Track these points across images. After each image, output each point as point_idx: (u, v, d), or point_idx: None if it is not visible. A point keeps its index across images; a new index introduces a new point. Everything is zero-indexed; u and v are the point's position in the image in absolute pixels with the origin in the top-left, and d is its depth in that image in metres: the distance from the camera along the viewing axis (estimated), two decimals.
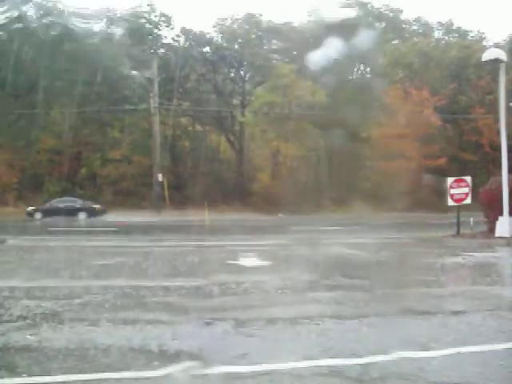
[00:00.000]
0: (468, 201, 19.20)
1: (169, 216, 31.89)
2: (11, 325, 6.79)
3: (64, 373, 4.99)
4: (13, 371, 5.02)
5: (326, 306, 8.00)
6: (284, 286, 9.64)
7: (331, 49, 42.78)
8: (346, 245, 16.23)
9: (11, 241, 18.33)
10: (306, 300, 8.57)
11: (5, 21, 39.39)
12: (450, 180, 19.80)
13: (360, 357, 5.35)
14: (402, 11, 46.79)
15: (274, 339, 6.19)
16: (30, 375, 4.91)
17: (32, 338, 6.09)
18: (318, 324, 6.78)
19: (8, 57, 37.46)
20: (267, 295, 8.92)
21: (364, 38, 41.34)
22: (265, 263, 12.65)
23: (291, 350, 5.67)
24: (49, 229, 23.94)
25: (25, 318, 7.12)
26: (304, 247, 16.61)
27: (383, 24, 45.57)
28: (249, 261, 12.71)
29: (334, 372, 4.96)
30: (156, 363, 5.22)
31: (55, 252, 15.86)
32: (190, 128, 43.61)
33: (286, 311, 7.63)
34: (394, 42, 43.03)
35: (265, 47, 44.20)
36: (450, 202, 19.53)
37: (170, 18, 41.30)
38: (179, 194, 36.60)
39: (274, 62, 42.72)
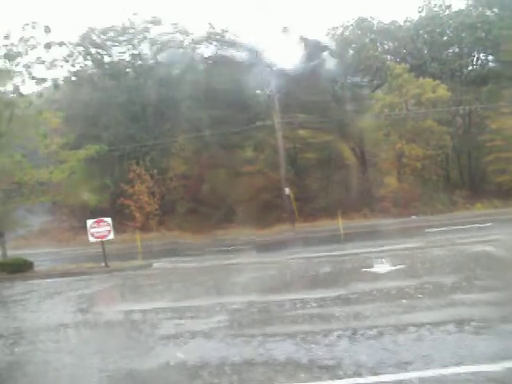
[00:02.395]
0: None
1: (300, 228, 32.23)
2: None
3: None
4: None
5: (471, 309, 7.92)
6: (423, 290, 9.61)
7: (445, 42, 41.70)
8: (486, 243, 15.61)
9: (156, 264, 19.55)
10: (450, 303, 8.48)
11: (128, 58, 42.13)
12: None
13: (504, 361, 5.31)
14: None
15: (429, 345, 6.23)
16: None
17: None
18: (465, 328, 6.75)
19: (137, 92, 40.01)
20: (408, 300, 8.93)
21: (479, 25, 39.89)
22: (401, 268, 12.61)
23: (450, 355, 5.73)
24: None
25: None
26: (440, 248, 16.17)
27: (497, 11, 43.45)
28: (384, 267, 12.72)
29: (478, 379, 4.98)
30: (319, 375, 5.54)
31: (200, 272, 16.73)
32: (311, 140, 43.78)
33: (431, 316, 7.62)
34: None
35: (379, 49, 43.70)
36: None
37: (288, 28, 41.85)
38: (307, 206, 36.86)
39: (388, 63, 42.01)
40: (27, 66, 22.08)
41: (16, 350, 8.03)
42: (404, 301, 8.93)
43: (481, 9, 41.89)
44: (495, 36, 39.06)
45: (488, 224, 22.29)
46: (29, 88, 25.53)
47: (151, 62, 41.77)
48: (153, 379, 6.09)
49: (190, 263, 19.35)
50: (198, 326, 8.45)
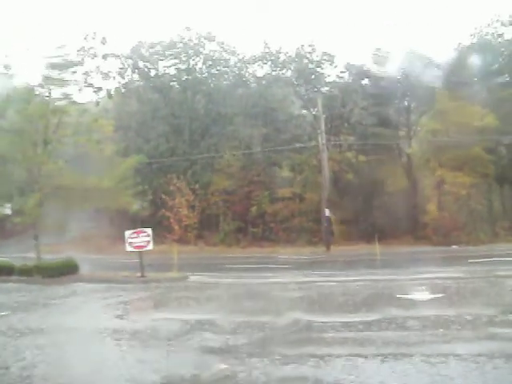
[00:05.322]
0: None
1: (338, 251, 31.95)
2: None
3: None
4: None
5: (506, 343, 7.79)
6: (460, 320, 9.46)
7: (493, 70, 41.16)
8: None
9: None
10: (486, 336, 8.35)
11: (175, 72, 42.80)
12: None
13: None
14: None
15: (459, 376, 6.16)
16: None
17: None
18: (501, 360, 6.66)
19: (183, 106, 40.65)
20: (442, 330, 8.81)
21: None
22: (438, 296, 12.43)
23: None
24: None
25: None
26: (480, 279, 15.87)
27: None
28: (421, 294, 12.55)
29: None
30: None
31: (233, 288, 16.81)
32: (355, 161, 43.63)
33: (466, 347, 7.52)
34: None
35: (428, 74, 43.32)
36: None
37: (333, 56, 42.06)
38: (348, 229, 36.64)
39: (436, 89, 41.58)
40: (87, 74, 22.56)
41: None
42: (436, 329, 8.83)
43: None
44: None
45: None
46: (84, 97, 26.21)
47: (199, 76, 42.29)
48: None
49: (225, 279, 19.36)
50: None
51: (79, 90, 22.98)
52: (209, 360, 7.38)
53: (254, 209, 38.83)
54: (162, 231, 34.22)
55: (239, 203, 39.06)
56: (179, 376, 6.71)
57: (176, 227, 35.60)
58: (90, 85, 22.90)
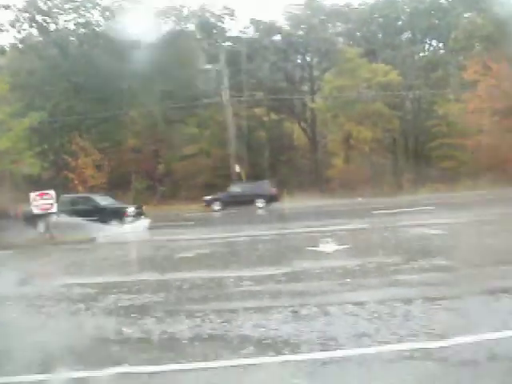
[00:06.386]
0: None
1: None
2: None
3: (157, 363, 5.29)
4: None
5: (409, 289, 7.99)
6: (365, 269, 9.65)
7: (396, 27, 42.08)
8: (429, 225, 15.80)
9: None
10: (389, 283, 8.56)
11: (74, 27, 40.78)
12: None
13: (443, 338, 5.39)
14: None
15: (364, 322, 6.26)
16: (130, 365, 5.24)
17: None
18: (406, 306, 6.79)
19: (82, 61, 38.73)
20: (350, 279, 8.96)
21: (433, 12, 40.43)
22: (346, 247, 12.63)
23: (380, 333, 5.74)
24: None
25: None
26: (384, 230, 16.35)
27: None
28: (329, 246, 12.70)
29: (421, 354, 5.02)
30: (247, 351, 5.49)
31: (143, 247, 16.52)
32: (264, 118, 43.73)
33: (370, 295, 7.65)
34: (465, 15, 41.45)
35: (330, 31, 43.66)
36: None
37: (233, 10, 41.58)
38: None
39: (340, 45, 42.08)
40: None
41: None
42: (344, 279, 8.98)
43: None
44: (447, 23, 39.60)
45: (431, 208, 22.62)
46: None
47: (97, 29, 40.40)
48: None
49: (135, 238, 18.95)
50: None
51: None
52: (115, 323, 7.10)
53: (161, 166, 38.34)
54: (67, 193, 33.14)
55: (147, 161, 38.42)
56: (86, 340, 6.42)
57: (80, 188, 34.50)
58: None
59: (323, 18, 42.78)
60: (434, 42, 45.06)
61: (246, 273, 10.11)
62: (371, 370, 4.81)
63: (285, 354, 5.33)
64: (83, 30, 40.15)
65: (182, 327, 6.49)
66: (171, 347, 5.90)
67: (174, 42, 38.92)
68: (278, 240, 16.04)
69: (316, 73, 44.51)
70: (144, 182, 37.97)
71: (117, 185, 37.05)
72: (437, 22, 41.43)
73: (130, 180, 37.74)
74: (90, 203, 23.46)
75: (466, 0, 40.23)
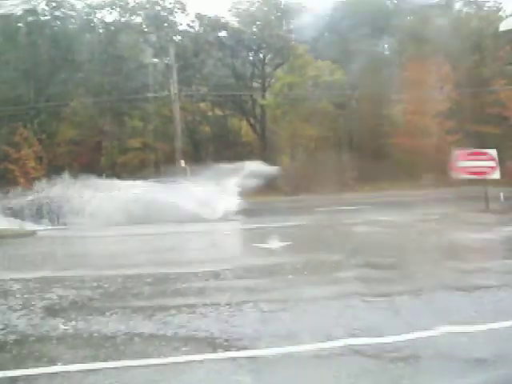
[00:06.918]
0: (496, 175, 18.58)
1: None
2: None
3: (94, 360, 5.18)
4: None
5: (349, 285, 8.09)
6: (309, 266, 9.73)
7: (346, 26, 42.51)
8: (370, 223, 16.08)
9: None
10: (332, 280, 8.66)
11: (20, 13, 39.54)
12: (460, 152, 19.68)
13: (382, 335, 5.45)
14: None
15: (301, 320, 6.30)
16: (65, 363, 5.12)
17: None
18: (342, 303, 6.87)
19: (27, 50, 37.68)
20: (292, 276, 9.01)
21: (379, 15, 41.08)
22: (287, 244, 12.70)
23: (316, 330, 5.79)
24: None
25: None
26: (325, 227, 16.55)
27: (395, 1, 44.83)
28: (274, 243, 12.74)
29: (356, 351, 5.07)
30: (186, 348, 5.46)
31: (84, 242, 16.22)
32: (209, 113, 43.54)
33: (311, 291, 7.72)
34: (408, 18, 42.29)
35: (284, 28, 43.78)
36: (460, 175, 19.43)
37: (185, 4, 41.18)
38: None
39: (293, 42, 42.26)
40: None
41: None
42: (287, 276, 9.03)
43: None
44: (393, 24, 40.36)
45: (372, 206, 23.00)
46: None
47: (42, 18, 39.34)
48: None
49: (76, 232, 18.56)
50: None
51: None
52: (51, 320, 6.92)
53: (103, 159, 37.77)
54: (7, 185, 32.24)
55: (88, 154, 37.71)
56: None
57: (22, 180, 33.61)
58: None
59: (279, 14, 42.85)
60: (380, 43, 45.75)
61: (192, 269, 10.07)
62: (304, 367, 4.84)
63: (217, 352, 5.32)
64: (31, 18, 38.94)
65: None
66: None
67: (118, 34, 38.34)
68: (228, 236, 16.01)
69: (268, 70, 44.59)
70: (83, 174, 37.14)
71: (54, 178, 36.25)
72: (383, 22, 42.08)
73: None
74: None
75: (411, 3, 41.11)
